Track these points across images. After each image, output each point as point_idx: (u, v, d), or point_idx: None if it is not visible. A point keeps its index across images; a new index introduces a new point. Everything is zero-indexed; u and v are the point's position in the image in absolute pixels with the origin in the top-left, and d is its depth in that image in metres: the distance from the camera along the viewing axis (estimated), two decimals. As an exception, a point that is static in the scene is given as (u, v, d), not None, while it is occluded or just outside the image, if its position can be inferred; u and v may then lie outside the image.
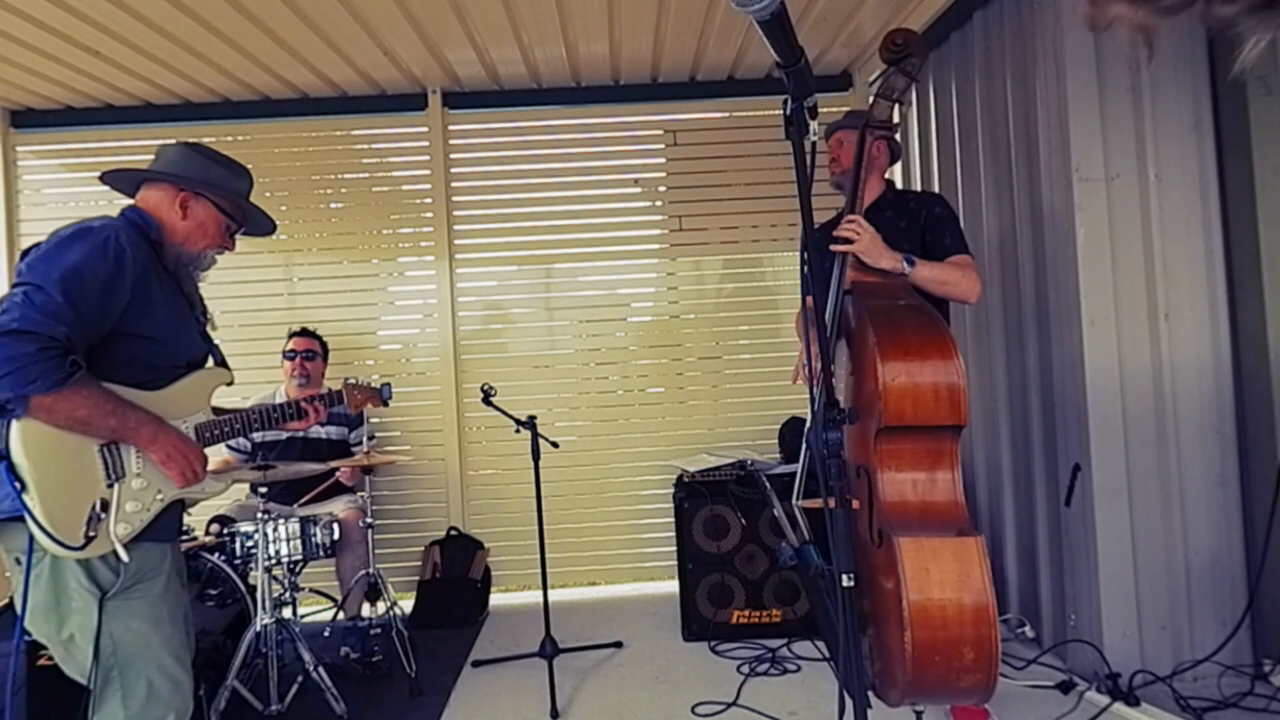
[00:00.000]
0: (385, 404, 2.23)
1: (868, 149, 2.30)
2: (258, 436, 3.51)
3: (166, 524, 1.71)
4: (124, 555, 1.59)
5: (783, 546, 2.40)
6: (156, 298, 1.65)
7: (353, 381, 2.17)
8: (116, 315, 1.59)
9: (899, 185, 2.81)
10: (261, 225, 1.95)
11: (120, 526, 1.60)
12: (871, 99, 2.29)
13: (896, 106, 2.25)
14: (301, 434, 3.52)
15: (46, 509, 1.51)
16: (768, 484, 2.94)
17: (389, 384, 2.22)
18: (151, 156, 1.87)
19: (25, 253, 1.61)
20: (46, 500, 1.51)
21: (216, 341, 1.91)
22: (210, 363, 1.87)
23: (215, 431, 1.79)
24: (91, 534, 1.54)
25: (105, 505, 1.58)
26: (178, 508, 1.78)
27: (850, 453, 2.11)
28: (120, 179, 1.82)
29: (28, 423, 1.50)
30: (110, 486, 1.60)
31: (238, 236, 1.93)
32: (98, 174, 1.87)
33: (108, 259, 1.56)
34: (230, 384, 1.88)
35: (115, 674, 1.61)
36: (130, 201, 1.81)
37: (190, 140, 1.86)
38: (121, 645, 1.60)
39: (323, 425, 3.54)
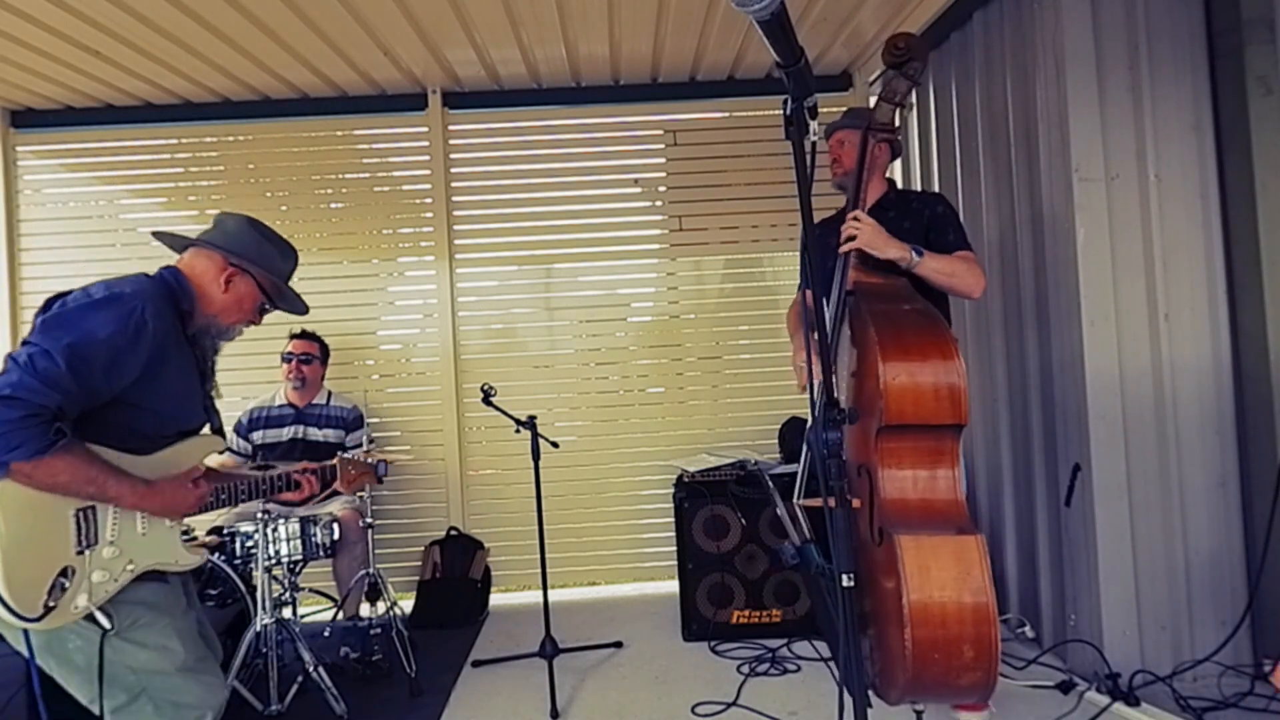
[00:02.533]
0: (380, 481, 2.23)
1: (872, 150, 2.30)
2: (258, 438, 3.51)
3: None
4: (105, 622, 1.55)
5: (784, 546, 2.40)
6: (166, 374, 1.63)
7: (348, 457, 2.18)
8: (120, 388, 1.56)
9: (900, 185, 2.81)
10: (295, 308, 1.92)
11: (82, 597, 1.53)
12: (874, 102, 2.29)
13: (898, 109, 2.25)
14: (301, 438, 3.53)
15: (8, 575, 1.44)
16: (770, 483, 2.94)
17: (384, 462, 2.23)
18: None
19: (52, 300, 1.58)
20: (11, 565, 1.45)
21: (218, 408, 1.89)
22: (206, 430, 1.84)
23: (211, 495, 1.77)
24: (51, 604, 1.48)
25: (71, 573, 1.52)
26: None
27: (851, 452, 2.12)
28: (171, 240, 1.82)
29: (3, 483, 1.46)
30: (80, 554, 1.54)
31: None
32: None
33: (126, 332, 1.53)
34: (222, 452, 1.87)
35: (141, 690, 1.60)
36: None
37: (250, 216, 1.85)
38: (137, 667, 1.60)
39: (320, 429, 3.56)
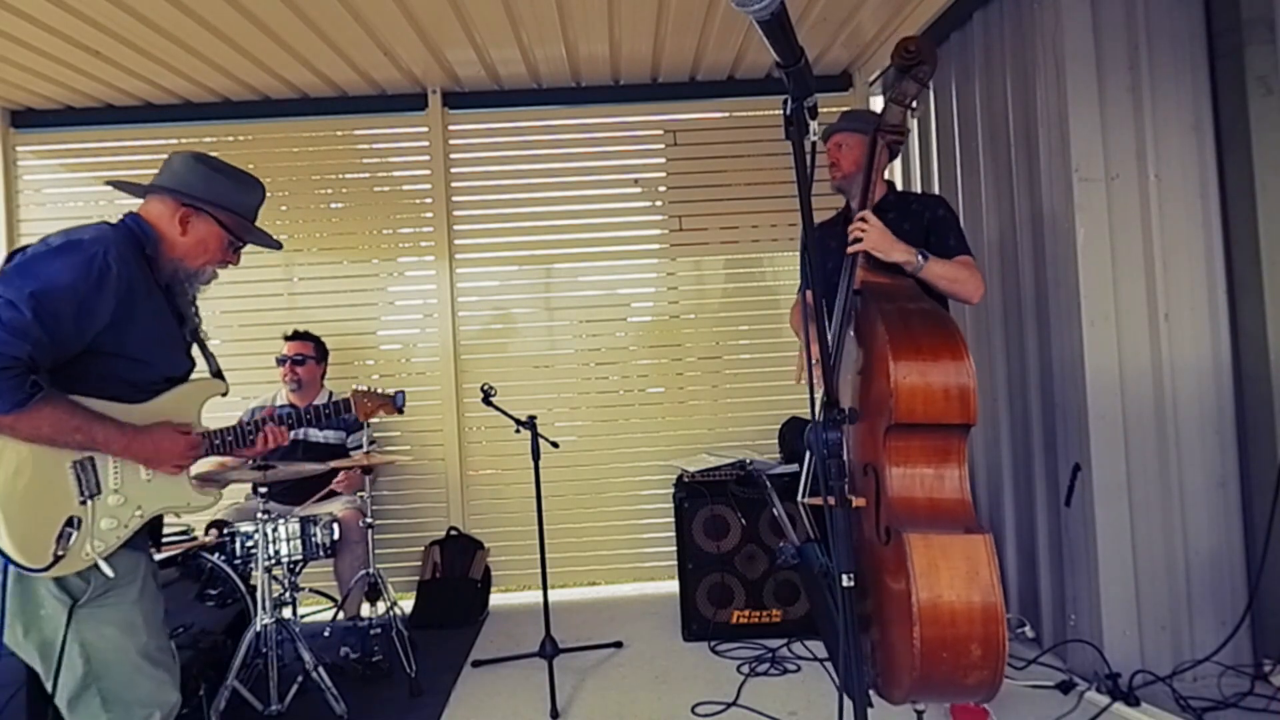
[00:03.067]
0: (399, 411, 2.12)
1: (880, 152, 2.28)
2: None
3: (140, 533, 1.68)
4: (108, 570, 1.56)
5: (783, 545, 2.39)
6: (140, 317, 1.60)
7: (362, 389, 2.09)
8: (92, 335, 1.54)
9: (899, 187, 2.81)
10: (266, 242, 1.87)
11: (90, 544, 1.56)
12: (883, 103, 2.28)
13: (908, 111, 2.25)
14: (302, 438, 3.53)
15: (11, 529, 1.47)
16: (769, 483, 2.94)
17: (402, 391, 2.12)
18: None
19: (13, 255, 1.56)
20: (11, 520, 1.47)
21: (213, 352, 1.86)
22: (205, 375, 1.81)
23: (204, 446, 1.74)
24: (60, 553, 1.51)
25: (77, 522, 1.54)
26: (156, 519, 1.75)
27: (857, 450, 2.12)
28: (129, 188, 1.79)
29: None
30: (83, 503, 1.56)
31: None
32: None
33: (89, 278, 1.51)
34: (225, 394, 1.82)
35: (92, 680, 1.58)
36: (136, 204, 1.76)
37: (198, 151, 1.79)
38: (96, 652, 1.58)
39: (320, 429, 3.56)
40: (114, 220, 1.69)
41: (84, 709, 1.58)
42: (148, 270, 1.66)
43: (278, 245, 1.89)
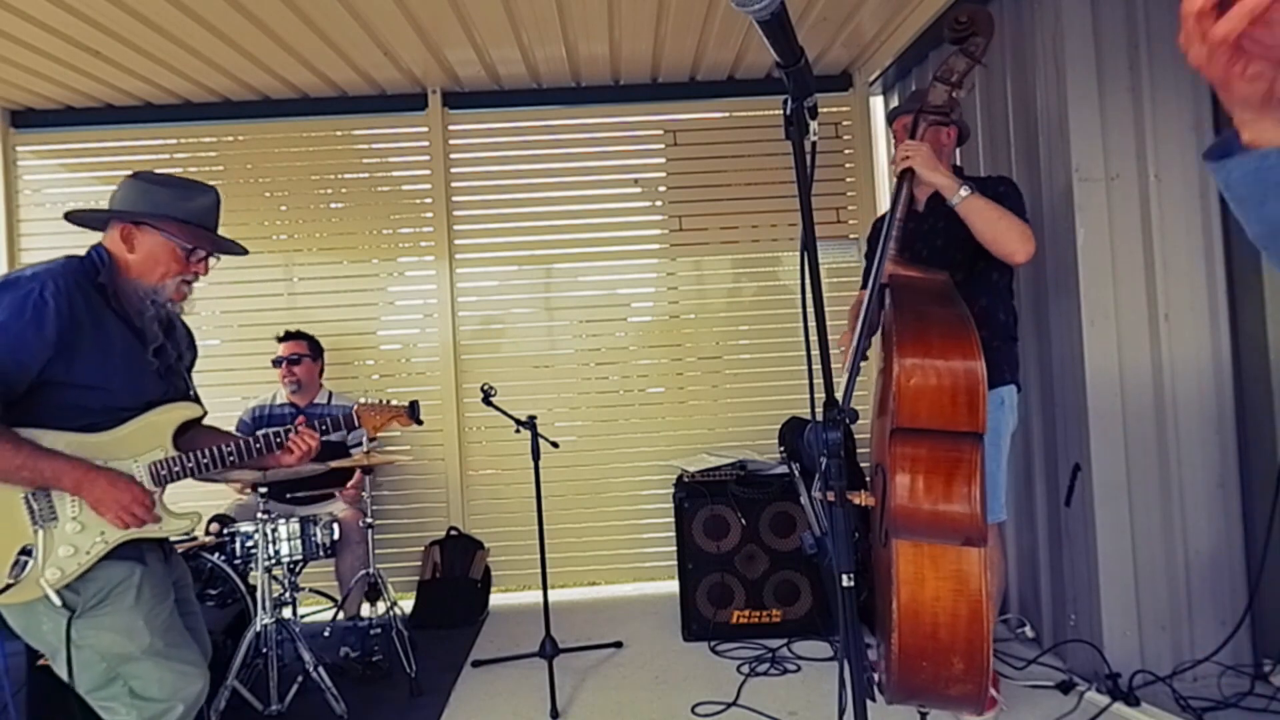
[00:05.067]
0: (418, 422, 2.01)
1: (921, 136, 2.24)
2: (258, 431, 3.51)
3: (128, 546, 1.67)
4: (55, 600, 1.56)
5: (804, 535, 2.40)
6: (86, 346, 1.59)
7: (367, 401, 1.98)
8: (35, 369, 1.54)
9: (965, 172, 2.64)
10: (224, 247, 1.82)
11: (50, 572, 1.56)
12: (930, 83, 2.24)
13: (954, 90, 2.18)
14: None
15: None
16: (796, 473, 2.91)
17: (416, 401, 1.98)
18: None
19: None
20: None
21: (195, 373, 1.86)
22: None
23: (175, 469, 1.71)
24: (12, 581, 1.53)
25: (32, 551, 1.56)
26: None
27: (874, 449, 2.11)
28: (88, 219, 1.77)
29: None
30: (37, 531, 1.57)
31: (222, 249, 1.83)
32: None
33: (23, 315, 1.52)
34: (200, 418, 1.80)
35: (115, 675, 1.62)
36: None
37: (143, 170, 1.78)
38: (104, 651, 1.62)
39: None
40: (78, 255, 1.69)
41: (113, 695, 1.63)
42: (99, 298, 1.65)
43: (242, 250, 1.85)
